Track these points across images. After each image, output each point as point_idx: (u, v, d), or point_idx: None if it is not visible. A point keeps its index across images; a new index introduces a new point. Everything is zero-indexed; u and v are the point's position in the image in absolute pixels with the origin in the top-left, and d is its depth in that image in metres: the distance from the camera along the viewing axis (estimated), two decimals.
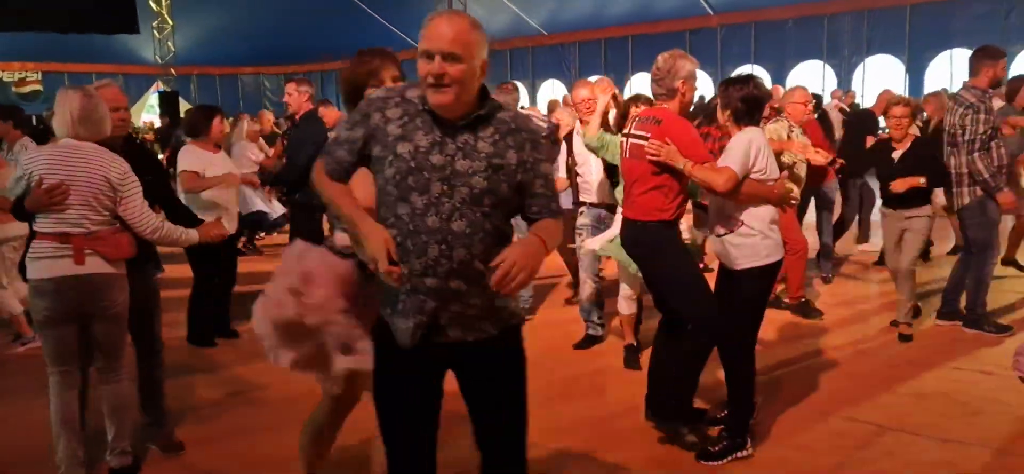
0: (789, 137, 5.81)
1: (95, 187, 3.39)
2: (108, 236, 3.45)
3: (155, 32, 25.87)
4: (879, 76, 20.21)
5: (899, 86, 18.72)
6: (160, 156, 11.76)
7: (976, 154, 5.47)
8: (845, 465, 3.66)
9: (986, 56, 5.79)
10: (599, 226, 5.26)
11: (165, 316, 4.19)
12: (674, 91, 3.70)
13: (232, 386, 5.03)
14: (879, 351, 5.40)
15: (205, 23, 27.02)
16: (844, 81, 20.21)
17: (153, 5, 25.40)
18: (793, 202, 3.80)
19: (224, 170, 5.75)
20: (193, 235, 3.83)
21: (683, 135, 3.60)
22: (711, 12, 22.10)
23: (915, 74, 19.44)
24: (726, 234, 3.66)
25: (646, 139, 3.64)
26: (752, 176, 3.59)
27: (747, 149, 3.57)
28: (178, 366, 5.11)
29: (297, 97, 6.61)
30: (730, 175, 3.50)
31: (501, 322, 2.39)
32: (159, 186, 3.95)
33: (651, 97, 4.08)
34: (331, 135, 2.42)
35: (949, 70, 19.45)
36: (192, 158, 5.70)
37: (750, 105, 3.68)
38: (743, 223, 3.62)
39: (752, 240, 3.62)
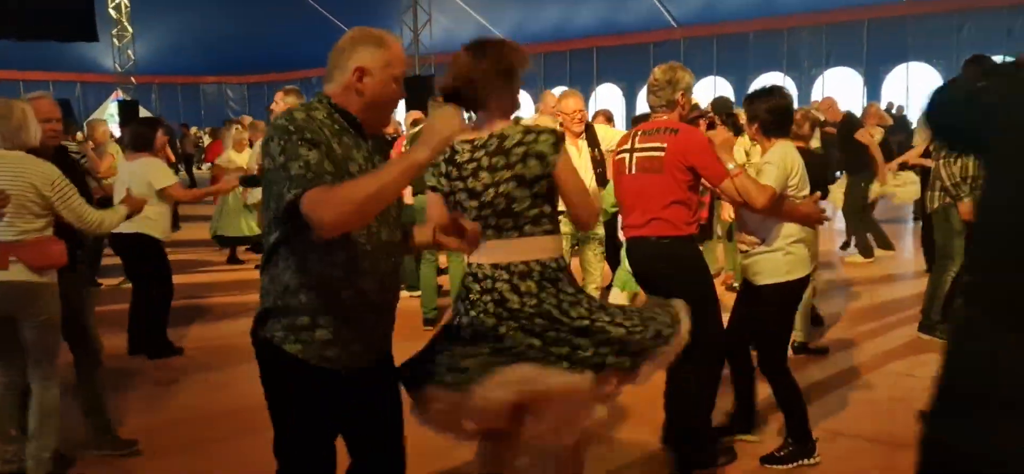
0: (747, 155, 5.72)
1: (22, 195, 3.41)
2: (34, 244, 3.45)
3: (114, 40, 25.46)
4: (838, 88, 20.64)
5: (858, 97, 19.13)
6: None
7: (941, 159, 5.49)
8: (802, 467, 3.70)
9: (977, 66, 5.48)
10: None
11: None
12: (674, 103, 3.59)
13: (181, 397, 4.96)
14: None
15: (166, 32, 26.72)
16: (804, 93, 20.59)
17: (112, 13, 25.02)
18: (826, 220, 3.75)
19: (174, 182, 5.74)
20: (123, 210, 3.97)
21: (704, 145, 3.46)
22: (675, 25, 22.39)
23: (872, 86, 19.90)
24: (749, 250, 3.69)
25: (663, 149, 3.47)
26: (786, 192, 3.57)
27: (784, 164, 3.54)
28: (123, 375, 5.04)
29: (283, 106, 6.58)
30: (771, 193, 3.42)
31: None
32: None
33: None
34: (295, 168, 1.99)
35: (905, 82, 19.93)
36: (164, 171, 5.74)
37: (778, 116, 3.65)
38: (765, 239, 3.65)
39: (774, 256, 3.65)
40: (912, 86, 19.51)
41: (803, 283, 3.69)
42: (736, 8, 20.92)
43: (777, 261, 3.61)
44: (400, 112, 10.98)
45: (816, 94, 20.51)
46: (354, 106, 2.19)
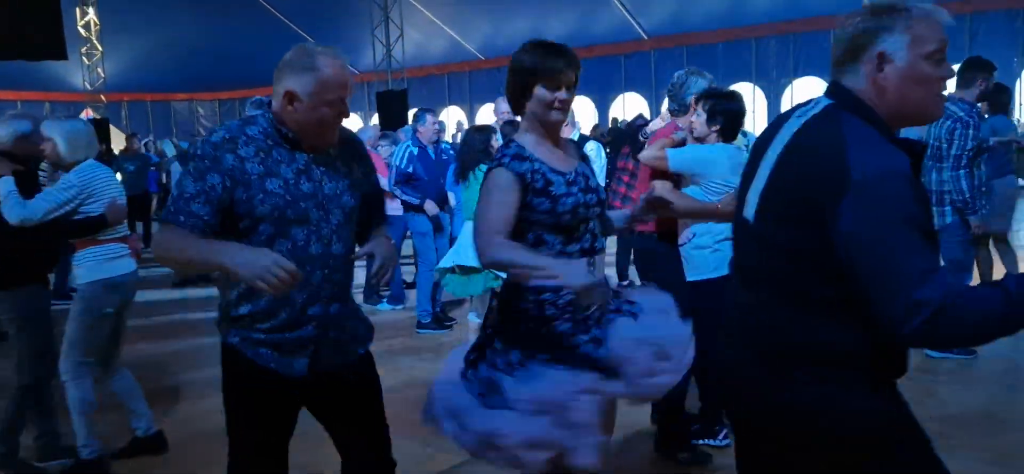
0: None
1: None
2: None
3: (83, 58, 25.20)
4: (807, 96, 20.91)
5: None
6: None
7: (962, 171, 5.15)
8: None
9: (978, 68, 5.41)
10: None
11: None
12: (686, 106, 3.82)
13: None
14: None
15: (135, 49, 26.48)
16: (773, 102, 20.88)
17: (82, 30, 24.79)
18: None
19: None
20: None
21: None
22: (645, 36, 22.60)
23: None
24: (684, 244, 3.76)
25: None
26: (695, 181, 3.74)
27: (698, 154, 3.74)
28: None
29: None
30: (660, 156, 3.70)
31: (362, 342, 2.49)
32: None
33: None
34: (175, 191, 2.19)
35: None
36: None
37: (732, 120, 3.75)
38: (694, 235, 3.72)
39: (702, 253, 3.71)
40: None
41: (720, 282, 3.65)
42: (704, 18, 21.16)
43: (705, 258, 3.69)
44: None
45: (785, 103, 20.80)
46: (289, 124, 2.25)
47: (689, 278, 3.72)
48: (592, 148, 6.21)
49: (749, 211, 1.90)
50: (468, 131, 5.83)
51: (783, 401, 1.77)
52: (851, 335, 1.71)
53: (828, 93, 1.89)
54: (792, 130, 1.85)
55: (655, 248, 3.86)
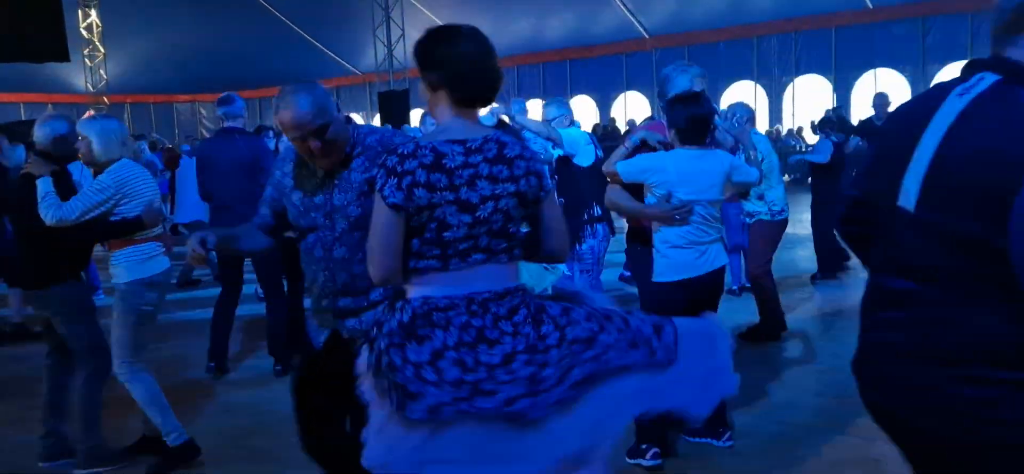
0: None
1: None
2: None
3: (86, 60, 25.27)
4: (809, 95, 20.97)
5: (828, 104, 19.43)
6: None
7: None
8: (776, 466, 3.80)
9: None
10: None
11: None
12: None
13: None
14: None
15: (138, 50, 26.53)
16: (775, 101, 20.88)
17: (84, 32, 24.85)
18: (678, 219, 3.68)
19: None
20: None
21: None
22: (646, 35, 22.61)
23: (842, 92, 20.20)
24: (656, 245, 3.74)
25: None
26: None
27: (644, 161, 3.68)
28: None
29: None
30: (611, 172, 3.73)
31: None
32: None
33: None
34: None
35: (874, 88, 20.25)
36: None
37: (694, 125, 3.63)
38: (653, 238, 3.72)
39: (656, 256, 3.71)
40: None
41: (683, 287, 3.61)
42: (706, 17, 21.18)
43: (657, 260, 3.70)
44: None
45: (787, 101, 20.82)
46: None
47: (656, 279, 3.69)
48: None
49: (907, 200, 1.71)
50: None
51: (960, 406, 1.63)
52: None
53: (990, 67, 1.68)
54: (956, 109, 1.66)
55: (630, 249, 4.00)
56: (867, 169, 1.92)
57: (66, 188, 3.83)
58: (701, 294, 3.61)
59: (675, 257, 3.63)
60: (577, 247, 4.77)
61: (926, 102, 1.75)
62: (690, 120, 3.63)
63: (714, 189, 3.67)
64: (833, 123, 8.59)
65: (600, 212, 4.78)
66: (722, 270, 3.78)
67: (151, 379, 3.93)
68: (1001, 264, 1.53)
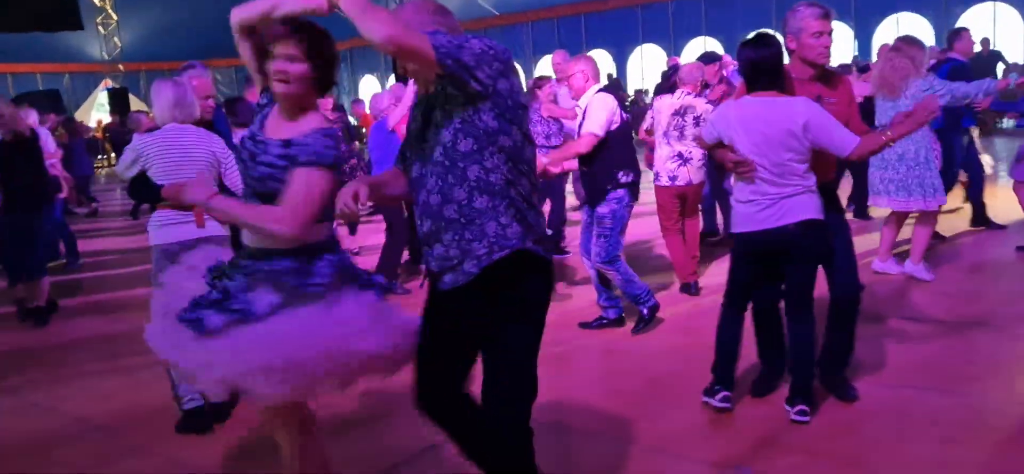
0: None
1: (204, 161, 3.78)
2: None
3: (100, 28, 25.33)
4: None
5: (848, 51, 19.08)
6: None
7: None
8: (840, 431, 3.72)
9: None
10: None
11: None
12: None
13: None
14: None
15: (151, 17, 26.51)
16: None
17: (96, 0, 24.83)
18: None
19: None
20: None
21: None
22: None
23: (863, 40, 19.83)
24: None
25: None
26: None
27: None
28: None
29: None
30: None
31: (477, 259, 2.24)
32: None
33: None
34: None
35: (895, 35, 19.84)
36: None
37: (753, 67, 3.41)
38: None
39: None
40: None
41: (744, 241, 3.53)
42: None
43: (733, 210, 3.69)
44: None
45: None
46: None
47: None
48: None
49: None
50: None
51: None
52: None
53: None
54: None
55: None
56: None
57: None
58: (764, 250, 3.46)
59: (738, 210, 3.53)
60: (596, 210, 4.68)
61: None
62: (750, 64, 3.39)
63: (774, 144, 3.31)
64: None
65: (627, 178, 4.64)
66: (799, 227, 3.35)
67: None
68: None
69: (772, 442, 3.32)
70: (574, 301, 5.63)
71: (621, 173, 4.60)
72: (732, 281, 3.67)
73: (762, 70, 3.38)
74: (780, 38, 3.50)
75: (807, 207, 3.35)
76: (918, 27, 18.95)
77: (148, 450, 3.69)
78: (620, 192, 4.61)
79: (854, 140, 3.29)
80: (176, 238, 3.71)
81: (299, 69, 2.26)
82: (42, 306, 6.09)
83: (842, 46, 19.63)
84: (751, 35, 3.50)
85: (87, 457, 3.66)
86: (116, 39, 26.13)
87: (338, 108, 11.77)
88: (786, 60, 3.56)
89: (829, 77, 3.58)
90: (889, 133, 3.32)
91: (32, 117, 7.14)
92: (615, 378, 4.27)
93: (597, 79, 4.84)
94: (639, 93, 20.11)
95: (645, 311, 4.79)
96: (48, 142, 8.03)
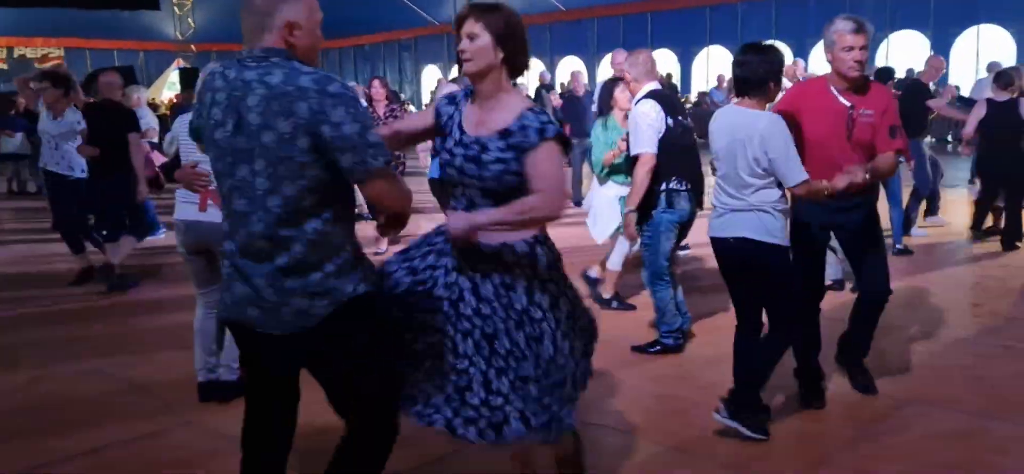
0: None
1: None
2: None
3: (175, 8, 26.02)
4: (904, 51, 19.96)
5: (920, 63, 18.53)
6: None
7: None
8: (860, 438, 3.65)
9: None
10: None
11: None
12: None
13: None
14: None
15: None
16: (869, 57, 19.94)
17: None
18: None
19: None
20: None
21: None
22: None
23: (941, 49, 19.18)
24: None
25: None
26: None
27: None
28: None
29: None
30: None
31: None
32: None
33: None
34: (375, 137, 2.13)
35: (975, 46, 19.17)
36: None
37: (743, 74, 3.37)
38: None
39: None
40: (982, 51, 18.72)
41: (713, 245, 3.52)
42: None
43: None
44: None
45: (880, 58, 19.87)
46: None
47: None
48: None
49: None
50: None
51: None
52: None
53: None
54: None
55: None
56: None
57: None
58: (721, 259, 3.48)
59: (713, 215, 3.50)
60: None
61: None
62: (734, 72, 3.42)
63: (732, 155, 3.29)
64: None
65: (671, 186, 4.39)
66: (737, 241, 3.33)
67: (201, 314, 4.03)
68: None
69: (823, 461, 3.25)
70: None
71: (666, 181, 4.41)
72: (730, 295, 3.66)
73: (740, 78, 3.37)
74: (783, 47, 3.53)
75: (749, 225, 3.30)
76: (1000, 40, 18.27)
77: (198, 423, 3.76)
78: (662, 201, 4.42)
79: (800, 176, 3.23)
80: (182, 216, 3.87)
81: (478, 45, 2.31)
82: (117, 272, 6.36)
83: (919, 57, 19.03)
84: (748, 44, 3.45)
85: (141, 420, 3.77)
86: (190, 19, 26.80)
87: (395, 97, 11.81)
88: (828, 69, 3.65)
89: (864, 88, 3.59)
90: (828, 185, 3.26)
91: (140, 94, 7.55)
92: (663, 383, 4.22)
93: (650, 78, 4.61)
94: (702, 95, 19.81)
95: (662, 342, 4.56)
96: (147, 117, 8.50)
